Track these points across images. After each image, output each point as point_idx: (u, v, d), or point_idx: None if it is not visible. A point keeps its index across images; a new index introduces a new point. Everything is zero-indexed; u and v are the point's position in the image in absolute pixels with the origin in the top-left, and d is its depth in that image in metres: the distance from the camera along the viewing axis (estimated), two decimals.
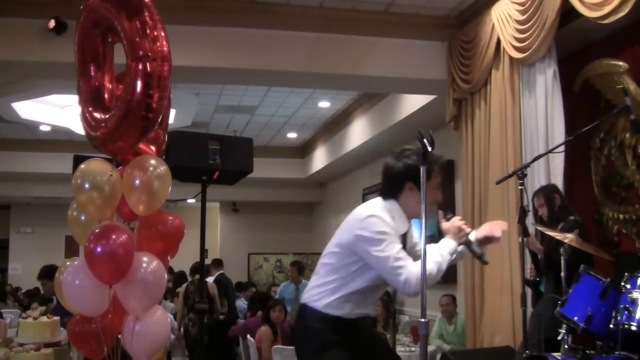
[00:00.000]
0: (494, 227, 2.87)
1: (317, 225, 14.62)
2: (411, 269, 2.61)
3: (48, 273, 5.72)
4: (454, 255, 2.76)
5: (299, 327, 2.90)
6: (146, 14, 2.57)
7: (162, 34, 2.59)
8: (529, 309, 4.35)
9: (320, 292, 2.80)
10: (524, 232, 4.20)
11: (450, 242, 2.75)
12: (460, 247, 2.80)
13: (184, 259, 10.00)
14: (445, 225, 2.82)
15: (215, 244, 14.36)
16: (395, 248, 2.65)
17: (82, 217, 2.94)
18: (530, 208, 4.42)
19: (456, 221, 2.80)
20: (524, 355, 3.68)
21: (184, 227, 2.98)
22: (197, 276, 7.54)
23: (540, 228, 4.19)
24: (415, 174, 2.59)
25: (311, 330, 2.79)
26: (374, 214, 2.72)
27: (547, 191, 4.42)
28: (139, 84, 2.52)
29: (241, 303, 9.44)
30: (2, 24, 5.55)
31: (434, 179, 2.77)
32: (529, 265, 4.53)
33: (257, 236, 14.42)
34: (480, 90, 5.85)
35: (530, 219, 4.42)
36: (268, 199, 13.87)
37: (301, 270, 8.35)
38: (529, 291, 4.46)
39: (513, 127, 5.30)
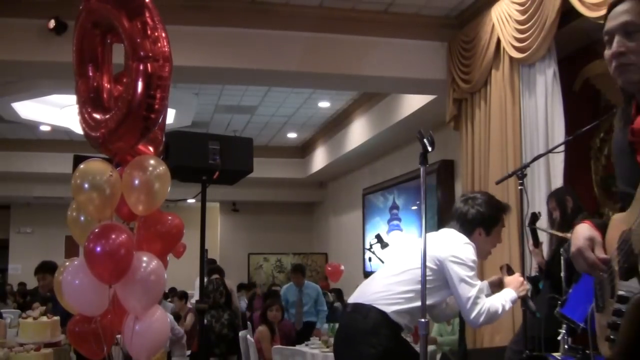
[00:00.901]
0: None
1: (317, 225, 14.63)
2: (485, 306, 2.84)
3: (47, 268, 5.55)
4: (513, 304, 3.01)
5: (361, 326, 2.83)
6: (147, 14, 2.56)
7: (163, 34, 2.59)
8: None
9: (396, 297, 2.85)
10: (535, 239, 4.22)
11: (512, 292, 2.99)
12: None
13: (184, 258, 10.02)
14: (508, 278, 3.09)
15: (215, 244, 14.36)
16: (479, 283, 2.90)
17: (82, 218, 2.93)
18: (544, 211, 4.45)
19: (518, 276, 3.09)
20: (524, 355, 3.68)
21: (184, 226, 2.97)
22: (216, 276, 7.85)
23: (539, 228, 4.19)
24: (487, 221, 3.02)
25: (376, 333, 2.78)
26: (471, 244, 2.94)
27: (559, 194, 4.39)
28: (140, 85, 2.51)
29: (242, 303, 9.47)
30: (2, 24, 5.55)
31: (500, 224, 3.10)
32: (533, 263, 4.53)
33: (257, 236, 14.42)
34: (480, 90, 5.85)
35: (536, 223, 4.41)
36: (268, 199, 13.88)
37: (304, 273, 8.21)
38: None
39: (513, 127, 5.30)
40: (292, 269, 8.46)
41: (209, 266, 8.61)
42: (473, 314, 2.82)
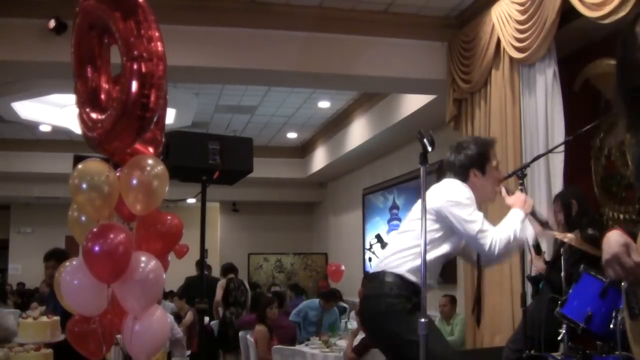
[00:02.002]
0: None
1: (317, 225, 14.63)
2: (496, 234, 2.80)
3: (59, 256, 5.01)
4: (523, 223, 2.92)
5: (377, 293, 2.85)
6: (140, 14, 2.56)
7: (157, 34, 2.59)
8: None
9: (402, 257, 2.87)
10: (535, 246, 4.21)
11: (519, 212, 2.93)
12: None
13: (184, 259, 10.01)
14: (509, 199, 3.02)
15: (215, 244, 14.36)
16: (481, 215, 2.85)
17: (83, 218, 2.93)
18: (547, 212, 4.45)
19: (519, 194, 3.03)
20: (524, 355, 3.68)
21: (183, 226, 2.97)
22: (231, 275, 8.17)
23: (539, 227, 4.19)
24: (476, 160, 3.01)
25: (394, 295, 2.80)
26: (461, 183, 2.95)
27: (565, 196, 4.36)
28: (134, 84, 2.52)
29: None
30: (2, 24, 5.54)
31: (492, 159, 3.06)
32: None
33: (257, 236, 14.42)
34: (480, 90, 5.84)
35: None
36: (268, 199, 13.88)
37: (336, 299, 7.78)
38: (528, 289, 4.46)
39: (513, 127, 5.30)
40: (326, 297, 7.59)
41: (223, 265, 8.82)
42: (486, 248, 2.80)
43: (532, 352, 3.74)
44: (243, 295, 8.01)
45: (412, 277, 2.83)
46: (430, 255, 2.83)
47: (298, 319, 7.41)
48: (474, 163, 3.02)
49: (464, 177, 3.02)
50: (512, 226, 2.86)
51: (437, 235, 2.88)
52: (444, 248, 2.91)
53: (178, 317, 7.85)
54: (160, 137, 2.98)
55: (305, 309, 7.55)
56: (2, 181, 12.06)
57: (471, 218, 2.83)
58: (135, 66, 2.52)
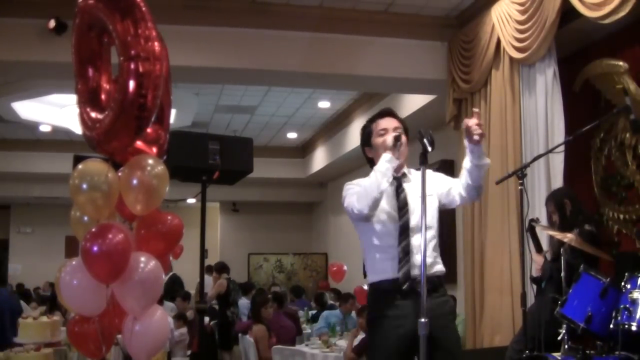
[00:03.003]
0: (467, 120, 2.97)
1: (317, 225, 14.62)
2: (351, 197, 2.85)
3: None
4: (391, 164, 2.86)
5: None
6: (137, 13, 2.56)
7: (154, 33, 2.59)
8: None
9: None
10: (536, 244, 4.21)
11: (385, 155, 2.88)
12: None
13: (184, 258, 10.00)
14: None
15: (215, 244, 14.36)
16: (352, 190, 2.89)
17: (85, 218, 2.93)
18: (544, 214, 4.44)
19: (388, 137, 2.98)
20: (524, 355, 3.68)
21: (183, 226, 2.97)
22: (226, 275, 8.16)
23: (539, 225, 4.19)
24: (363, 141, 3.13)
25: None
26: (347, 185, 2.98)
27: (557, 197, 4.35)
28: (131, 84, 2.51)
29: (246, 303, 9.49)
30: (2, 24, 5.55)
31: (374, 132, 3.11)
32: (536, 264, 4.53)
33: (257, 236, 14.42)
34: (480, 90, 5.85)
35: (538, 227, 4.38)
36: (268, 199, 13.88)
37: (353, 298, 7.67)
38: (530, 290, 4.45)
39: (513, 127, 5.30)
40: (343, 297, 7.64)
41: (219, 263, 8.80)
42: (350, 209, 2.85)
43: (534, 352, 3.74)
44: (238, 295, 8.11)
45: (374, 279, 2.89)
46: (370, 248, 2.90)
47: (324, 324, 7.28)
48: (363, 144, 3.13)
49: (367, 157, 3.10)
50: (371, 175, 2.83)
51: (359, 230, 2.95)
52: (372, 235, 2.90)
53: (183, 318, 7.80)
54: (164, 137, 2.98)
55: (327, 314, 7.52)
56: (2, 181, 12.07)
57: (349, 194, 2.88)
58: (132, 66, 2.52)
